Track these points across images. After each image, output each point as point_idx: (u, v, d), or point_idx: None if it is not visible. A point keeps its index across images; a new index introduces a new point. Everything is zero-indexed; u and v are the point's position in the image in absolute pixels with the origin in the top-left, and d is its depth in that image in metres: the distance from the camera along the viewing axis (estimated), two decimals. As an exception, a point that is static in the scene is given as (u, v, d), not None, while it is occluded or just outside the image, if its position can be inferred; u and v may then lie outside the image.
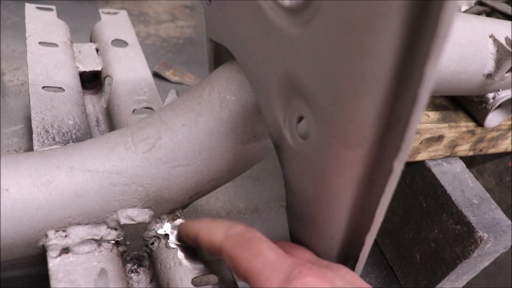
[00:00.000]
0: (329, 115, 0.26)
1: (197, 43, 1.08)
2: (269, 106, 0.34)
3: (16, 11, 0.99)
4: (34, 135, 0.48)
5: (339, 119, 0.26)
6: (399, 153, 0.26)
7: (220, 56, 0.50)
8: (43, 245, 0.37)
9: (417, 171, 0.62)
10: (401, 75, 0.23)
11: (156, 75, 0.93)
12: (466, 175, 0.62)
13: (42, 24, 0.64)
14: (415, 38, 0.22)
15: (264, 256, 0.32)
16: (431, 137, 0.58)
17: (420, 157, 0.61)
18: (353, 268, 0.36)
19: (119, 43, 0.68)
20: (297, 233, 0.39)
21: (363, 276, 0.65)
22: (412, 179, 0.63)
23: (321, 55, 0.25)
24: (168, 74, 0.94)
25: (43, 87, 0.54)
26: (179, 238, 0.42)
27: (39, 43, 0.61)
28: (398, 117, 0.25)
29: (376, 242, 0.70)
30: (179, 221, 0.43)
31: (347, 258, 0.36)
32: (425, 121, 0.58)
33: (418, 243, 0.62)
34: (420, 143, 0.58)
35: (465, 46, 0.50)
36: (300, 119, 0.31)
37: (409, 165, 0.63)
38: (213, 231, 0.36)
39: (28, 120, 0.71)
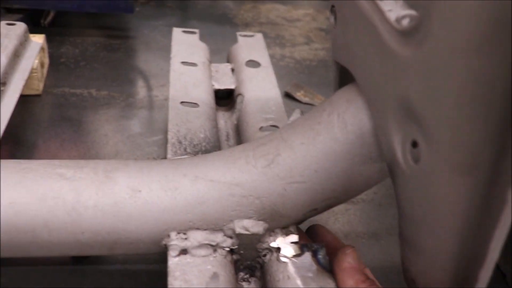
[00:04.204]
0: (440, 139, 0.26)
1: (330, 66, 1.08)
2: (384, 128, 0.34)
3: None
4: (168, 145, 0.53)
5: (451, 144, 0.25)
6: (516, 182, 0.24)
7: (345, 78, 0.51)
8: (165, 244, 0.41)
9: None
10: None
11: (287, 95, 0.96)
12: None
13: (185, 45, 0.71)
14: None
15: None
16: None
17: None
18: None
19: (253, 63, 0.72)
20: (409, 262, 0.38)
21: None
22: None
23: (431, 77, 0.24)
24: (299, 94, 0.96)
25: (181, 102, 0.60)
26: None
27: (181, 62, 0.67)
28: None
29: (496, 265, 0.63)
30: (292, 237, 0.44)
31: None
32: None
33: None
34: None
35: None
36: (415, 143, 0.30)
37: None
38: None
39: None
